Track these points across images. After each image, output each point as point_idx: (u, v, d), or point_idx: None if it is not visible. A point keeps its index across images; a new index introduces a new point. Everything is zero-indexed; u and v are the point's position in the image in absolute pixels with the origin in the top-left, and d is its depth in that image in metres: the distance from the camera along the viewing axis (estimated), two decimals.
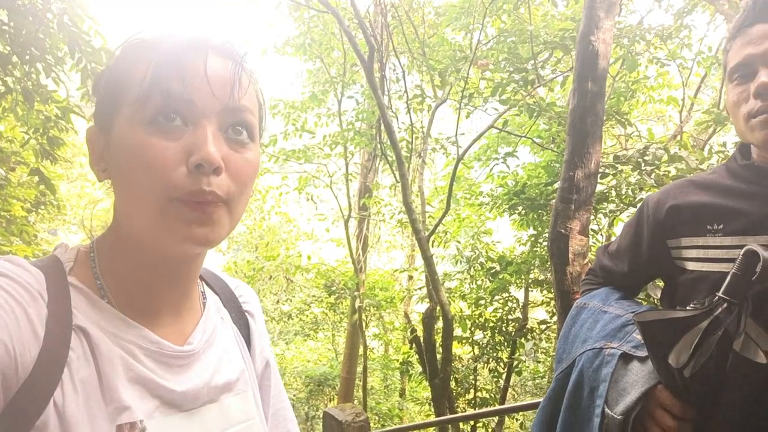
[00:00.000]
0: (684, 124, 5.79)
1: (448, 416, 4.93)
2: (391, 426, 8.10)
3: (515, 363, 6.43)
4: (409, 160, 6.60)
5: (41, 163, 4.00)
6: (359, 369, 8.63)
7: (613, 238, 2.04)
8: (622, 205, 4.47)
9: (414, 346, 6.28)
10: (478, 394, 6.68)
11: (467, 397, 6.66)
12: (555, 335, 5.56)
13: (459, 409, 6.26)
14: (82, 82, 3.39)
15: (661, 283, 1.20)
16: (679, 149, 4.00)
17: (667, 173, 3.90)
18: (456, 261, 6.81)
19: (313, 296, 9.66)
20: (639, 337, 0.99)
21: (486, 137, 6.33)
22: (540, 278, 5.91)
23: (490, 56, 5.75)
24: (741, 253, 0.83)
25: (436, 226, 5.83)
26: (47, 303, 0.55)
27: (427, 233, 5.54)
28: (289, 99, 7.81)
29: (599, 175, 3.58)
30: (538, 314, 7.13)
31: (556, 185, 3.44)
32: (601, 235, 5.46)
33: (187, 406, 0.62)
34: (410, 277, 10.53)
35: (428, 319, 5.59)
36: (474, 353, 6.64)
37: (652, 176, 3.91)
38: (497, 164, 6.08)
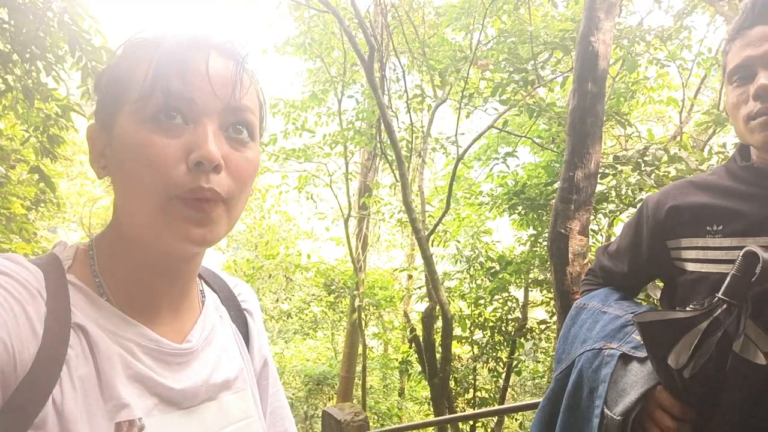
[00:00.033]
0: (684, 124, 5.79)
1: (448, 416, 4.94)
2: (390, 425, 8.09)
3: (515, 363, 6.43)
4: (409, 159, 6.60)
5: (41, 161, 4.00)
6: (358, 368, 8.63)
7: (613, 239, 2.04)
8: (622, 205, 4.47)
9: (413, 345, 6.28)
10: (478, 393, 6.68)
11: (466, 396, 6.65)
12: (555, 335, 5.57)
13: (458, 409, 6.26)
14: (83, 81, 3.39)
15: (661, 284, 1.20)
16: (679, 150, 4.00)
17: (666, 174, 3.90)
18: (456, 260, 6.81)
19: (313, 295, 9.67)
20: (638, 337, 0.99)
21: (486, 137, 6.33)
22: (540, 278, 5.91)
23: (490, 56, 5.75)
24: (740, 255, 0.83)
25: (436, 225, 5.84)
26: (46, 301, 0.55)
27: (426, 232, 5.54)
28: (289, 98, 7.81)
29: (599, 176, 3.58)
30: (537, 314, 7.13)
31: (556, 185, 3.44)
32: (601, 235, 5.46)
33: (185, 404, 0.62)
34: (410, 277, 10.52)
35: (428, 319, 5.60)
36: (473, 353, 6.65)
37: (652, 177, 3.91)
38: (497, 164, 6.09)
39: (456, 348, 6.82)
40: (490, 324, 6.43)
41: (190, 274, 0.69)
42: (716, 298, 0.84)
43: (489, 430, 6.37)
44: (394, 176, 7.52)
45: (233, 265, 10.73)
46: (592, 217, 3.89)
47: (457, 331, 6.23)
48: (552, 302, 5.65)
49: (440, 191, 8.29)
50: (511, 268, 6.00)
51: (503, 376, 6.50)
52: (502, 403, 6.27)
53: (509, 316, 6.43)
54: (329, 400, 10.20)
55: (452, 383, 6.07)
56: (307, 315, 10.69)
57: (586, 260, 2.65)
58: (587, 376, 1.05)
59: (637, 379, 0.96)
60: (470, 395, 6.63)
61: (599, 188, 4.22)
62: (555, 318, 5.22)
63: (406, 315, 8.64)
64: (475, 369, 6.60)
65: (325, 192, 9.04)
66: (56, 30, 3.23)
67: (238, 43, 0.63)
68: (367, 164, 8.76)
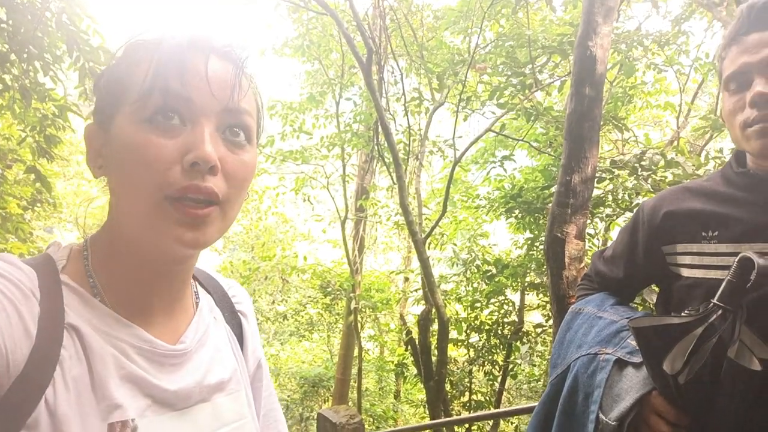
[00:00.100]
0: (681, 129, 5.82)
1: (443, 419, 4.93)
2: (385, 428, 8.09)
3: (510, 366, 6.43)
4: (407, 162, 6.60)
5: (38, 160, 4.00)
6: (354, 370, 8.61)
7: (609, 243, 2.04)
8: (618, 209, 4.48)
9: (409, 348, 6.28)
10: (473, 397, 6.68)
11: (462, 399, 6.66)
12: (550, 339, 5.57)
13: (454, 412, 6.25)
14: (80, 81, 3.39)
15: (657, 289, 1.20)
16: (676, 155, 4.01)
17: (663, 178, 3.90)
18: (452, 263, 6.83)
19: (309, 297, 9.65)
20: (634, 343, 0.99)
21: (483, 140, 6.35)
22: (536, 282, 5.92)
23: (488, 60, 5.76)
24: (736, 260, 0.83)
25: (433, 228, 5.84)
26: (39, 301, 0.55)
27: (423, 235, 5.55)
28: (287, 100, 7.82)
29: (596, 180, 3.59)
30: (533, 317, 7.14)
31: (553, 189, 3.45)
32: (598, 239, 5.47)
33: (179, 405, 0.62)
34: (406, 279, 10.53)
35: (424, 321, 5.60)
36: (469, 356, 6.65)
37: (649, 181, 3.91)
38: (494, 167, 6.10)
39: (452, 351, 6.83)
40: (486, 327, 6.44)
41: (184, 275, 0.68)
42: (711, 304, 0.84)
43: None
44: (392, 179, 7.52)
45: (229, 266, 10.71)
46: (588, 221, 3.89)
47: (453, 334, 6.23)
48: (548, 306, 5.66)
49: (437, 194, 8.31)
50: (507, 271, 6.01)
51: (499, 379, 6.50)
52: (498, 406, 6.28)
53: (505, 320, 6.44)
54: (325, 403, 10.18)
55: (448, 386, 6.07)
56: (303, 317, 10.68)
57: (583, 264, 2.65)
58: (582, 381, 1.05)
59: (633, 385, 0.96)
60: (466, 398, 6.63)
61: (596, 192, 4.22)
62: (551, 321, 5.22)
63: (402, 318, 8.63)
64: (470, 372, 6.60)
65: (322, 194, 9.07)
66: (54, 30, 3.22)
67: (238, 46, 0.63)
68: (364, 167, 8.77)
